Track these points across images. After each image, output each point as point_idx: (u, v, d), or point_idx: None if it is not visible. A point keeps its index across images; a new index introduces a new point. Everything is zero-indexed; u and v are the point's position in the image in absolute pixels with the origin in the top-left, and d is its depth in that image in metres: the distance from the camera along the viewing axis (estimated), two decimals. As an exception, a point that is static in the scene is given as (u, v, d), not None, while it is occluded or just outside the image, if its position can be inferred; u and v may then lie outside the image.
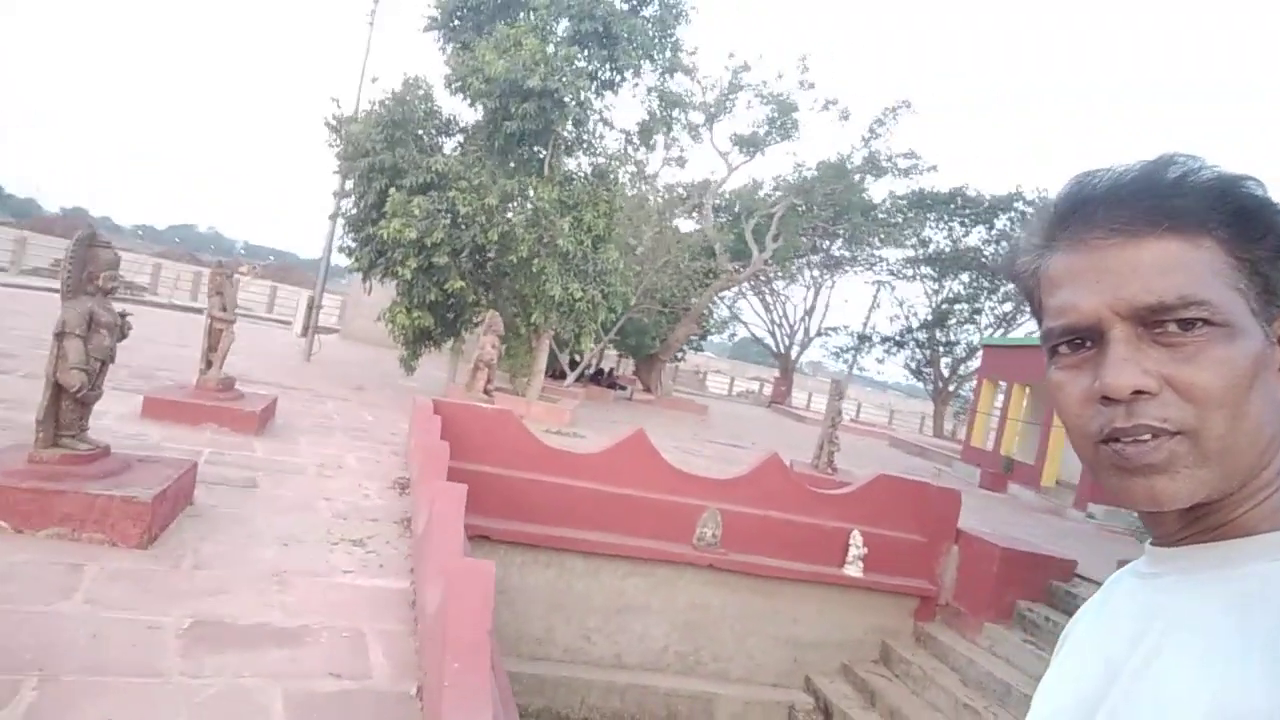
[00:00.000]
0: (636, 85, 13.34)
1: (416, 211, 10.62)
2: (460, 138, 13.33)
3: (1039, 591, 9.04)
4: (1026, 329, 33.50)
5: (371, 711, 3.08)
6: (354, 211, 12.29)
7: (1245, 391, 0.67)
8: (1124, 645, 0.74)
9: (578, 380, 19.37)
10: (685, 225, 23.46)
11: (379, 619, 3.94)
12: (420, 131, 12.28)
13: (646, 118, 13.83)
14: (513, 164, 12.51)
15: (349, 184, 12.49)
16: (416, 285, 11.33)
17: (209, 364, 7.35)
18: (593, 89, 12.05)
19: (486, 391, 10.73)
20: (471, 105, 12.84)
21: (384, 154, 11.44)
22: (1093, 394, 0.71)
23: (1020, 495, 16.96)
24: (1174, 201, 0.69)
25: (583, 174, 12.70)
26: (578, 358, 19.97)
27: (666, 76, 13.51)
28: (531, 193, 12.05)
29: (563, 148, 12.57)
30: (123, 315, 4.38)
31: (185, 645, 3.27)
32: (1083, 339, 0.72)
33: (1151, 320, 0.68)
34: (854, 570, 9.26)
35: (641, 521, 8.69)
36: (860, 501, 9.65)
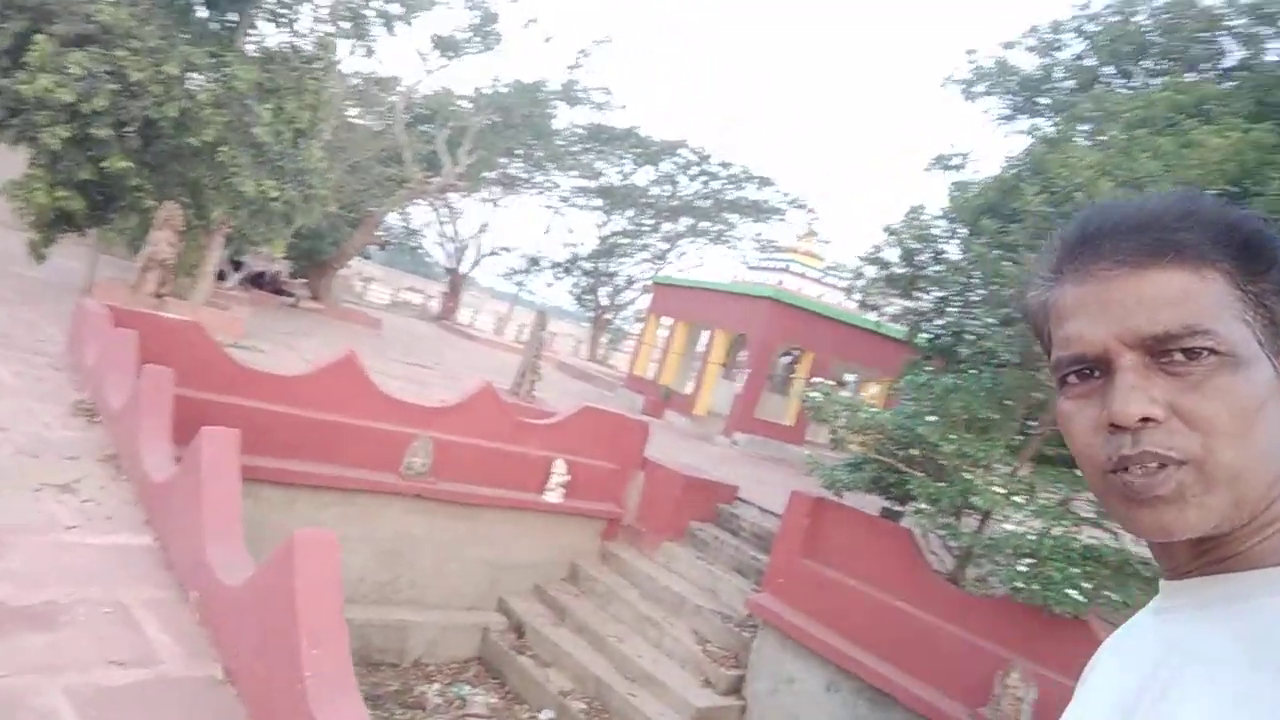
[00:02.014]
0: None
1: (74, 69, 8.52)
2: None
3: (708, 513, 10.23)
4: (676, 266, 36.72)
5: (179, 704, 2.69)
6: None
7: (1252, 420, 0.68)
8: (1138, 681, 0.74)
9: (241, 284, 17.35)
10: (370, 123, 21.74)
11: (136, 586, 3.39)
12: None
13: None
14: (176, 24, 10.52)
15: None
16: (65, 159, 9.18)
17: None
18: (302, -44, 10.56)
19: (158, 295, 9.22)
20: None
21: (26, -12, 9.01)
22: (1101, 423, 0.71)
23: (676, 422, 18.77)
24: (1179, 234, 0.71)
25: (283, 55, 11.12)
26: (238, 259, 17.81)
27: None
28: (204, 60, 10.24)
29: (255, 18, 10.92)
30: None
31: (-95, 641, 2.56)
32: (1091, 369, 0.73)
33: (1158, 349, 0.69)
34: (554, 496, 9.72)
35: (347, 450, 8.27)
36: (565, 431, 10.09)
